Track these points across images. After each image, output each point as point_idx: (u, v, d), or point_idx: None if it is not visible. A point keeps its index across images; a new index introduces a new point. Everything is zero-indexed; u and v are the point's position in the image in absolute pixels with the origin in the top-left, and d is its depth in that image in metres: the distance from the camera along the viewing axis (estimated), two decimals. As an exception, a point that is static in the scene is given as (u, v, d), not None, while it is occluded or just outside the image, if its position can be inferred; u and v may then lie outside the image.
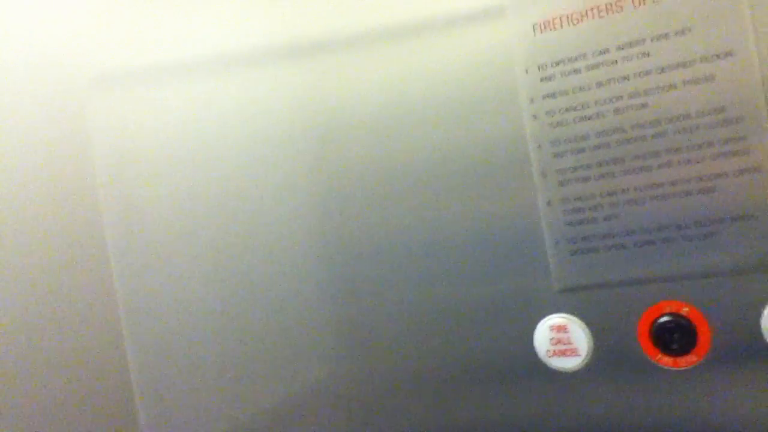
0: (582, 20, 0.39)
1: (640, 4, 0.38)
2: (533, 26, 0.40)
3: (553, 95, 0.40)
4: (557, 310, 0.43)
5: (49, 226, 0.55)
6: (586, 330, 0.42)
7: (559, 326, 0.43)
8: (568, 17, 0.40)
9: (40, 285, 0.54)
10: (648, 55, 0.38)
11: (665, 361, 0.41)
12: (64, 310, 0.54)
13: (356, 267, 0.46)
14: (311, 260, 0.48)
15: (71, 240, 0.54)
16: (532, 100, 0.41)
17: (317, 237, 0.47)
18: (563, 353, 0.43)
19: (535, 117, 0.41)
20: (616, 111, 0.39)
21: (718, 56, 0.37)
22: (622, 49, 0.39)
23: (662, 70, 0.38)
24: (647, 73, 0.38)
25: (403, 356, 0.46)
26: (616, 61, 0.39)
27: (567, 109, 0.40)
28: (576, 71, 0.40)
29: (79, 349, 0.54)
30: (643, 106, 0.38)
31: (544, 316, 0.43)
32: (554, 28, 0.40)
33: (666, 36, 0.38)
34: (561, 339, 0.43)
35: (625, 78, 0.39)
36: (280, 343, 0.49)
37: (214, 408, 0.51)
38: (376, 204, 0.45)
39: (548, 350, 0.43)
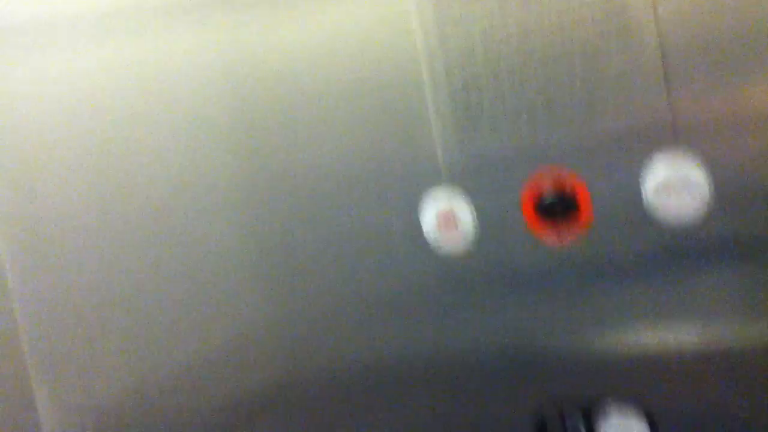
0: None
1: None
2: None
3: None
4: (445, 189, 0.43)
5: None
6: (472, 207, 0.42)
7: (446, 211, 0.42)
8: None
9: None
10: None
11: (549, 233, 0.41)
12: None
13: (271, 195, 0.49)
14: (225, 193, 0.49)
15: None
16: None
17: (231, 175, 0.49)
18: (449, 229, 0.43)
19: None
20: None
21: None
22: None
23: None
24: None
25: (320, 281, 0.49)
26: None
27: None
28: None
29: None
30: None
31: (432, 199, 0.44)
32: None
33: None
34: (448, 218, 0.42)
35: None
36: (189, 296, 0.51)
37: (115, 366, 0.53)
38: (287, 140, 0.48)
39: (435, 228, 0.44)
